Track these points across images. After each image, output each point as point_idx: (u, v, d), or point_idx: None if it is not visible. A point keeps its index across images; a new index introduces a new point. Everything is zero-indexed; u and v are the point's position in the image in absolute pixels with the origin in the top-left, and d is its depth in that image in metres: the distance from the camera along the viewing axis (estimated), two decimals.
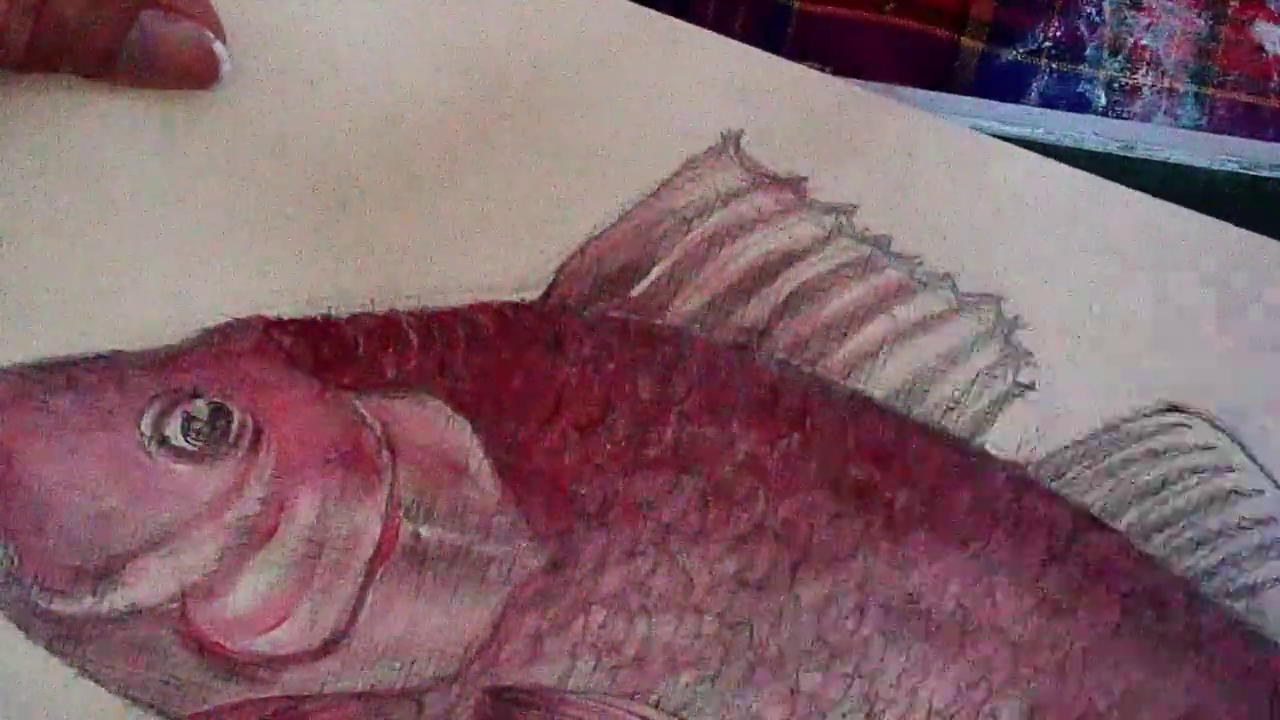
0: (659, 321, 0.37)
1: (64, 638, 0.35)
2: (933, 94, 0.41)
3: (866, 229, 0.38)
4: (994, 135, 0.40)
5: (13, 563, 0.34)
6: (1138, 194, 0.39)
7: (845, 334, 0.38)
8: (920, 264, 0.38)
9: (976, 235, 0.38)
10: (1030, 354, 0.38)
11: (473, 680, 0.36)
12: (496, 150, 0.37)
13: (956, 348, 0.38)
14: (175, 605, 0.35)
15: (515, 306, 0.37)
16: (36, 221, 0.36)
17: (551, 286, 0.37)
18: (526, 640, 0.36)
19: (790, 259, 0.38)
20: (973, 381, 0.38)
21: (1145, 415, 0.38)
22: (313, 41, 0.37)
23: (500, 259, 0.37)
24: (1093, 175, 0.38)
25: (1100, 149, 0.40)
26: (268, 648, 0.35)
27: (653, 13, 0.38)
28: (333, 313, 0.36)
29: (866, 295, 0.38)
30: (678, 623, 0.36)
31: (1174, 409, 0.38)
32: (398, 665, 0.36)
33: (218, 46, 0.36)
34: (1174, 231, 0.39)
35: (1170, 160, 0.41)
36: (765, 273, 0.38)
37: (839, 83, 0.38)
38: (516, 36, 0.37)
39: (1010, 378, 0.38)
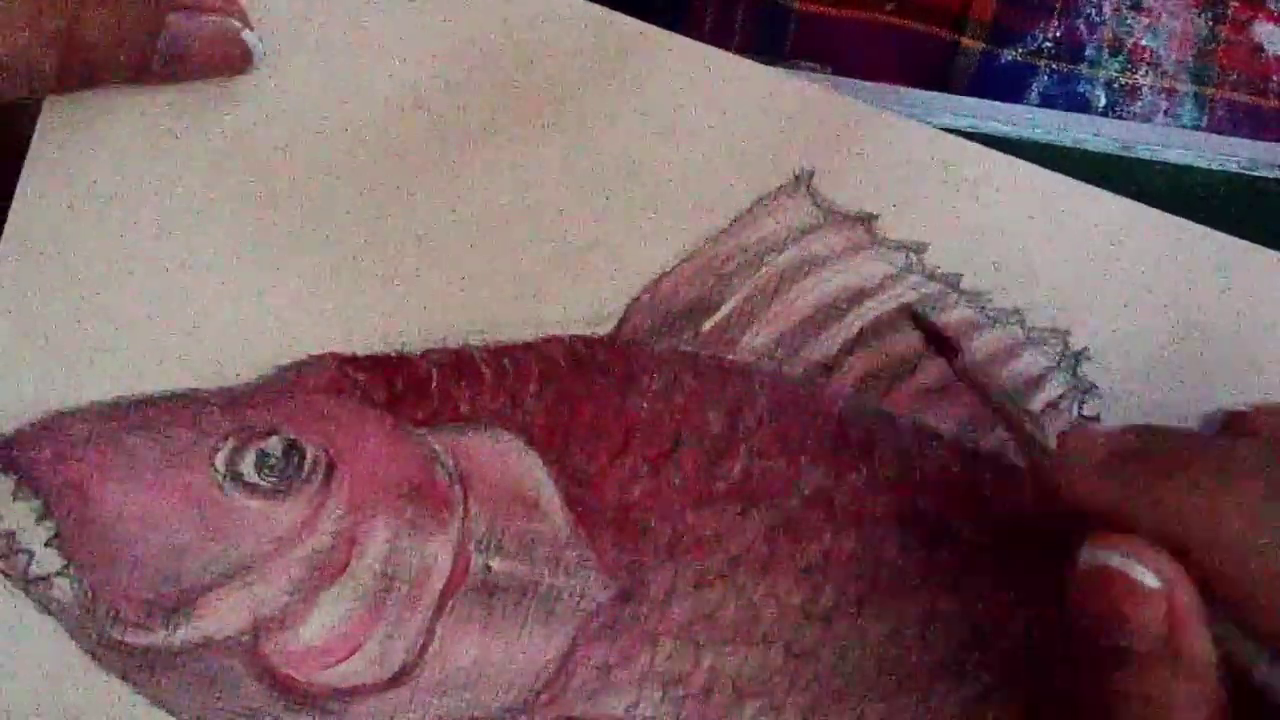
0: (729, 356, 0.37)
1: (137, 668, 0.35)
2: (933, 94, 0.41)
3: (937, 268, 0.38)
4: (994, 135, 0.39)
5: (87, 595, 0.35)
6: (1202, 228, 0.39)
7: (914, 370, 0.38)
8: (990, 300, 0.38)
9: (1042, 269, 0.38)
10: (1095, 386, 0.38)
11: (540, 711, 0.36)
12: (568, 187, 0.37)
13: (1024, 381, 0.38)
14: (247, 637, 0.35)
15: (586, 341, 0.37)
16: (111, 262, 0.36)
17: (622, 321, 0.37)
18: (594, 671, 0.36)
19: (861, 296, 0.38)
20: (1040, 414, 0.38)
21: None
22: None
23: (572, 294, 0.37)
24: (1169, 215, 0.38)
25: (1100, 149, 0.40)
26: (338, 679, 0.35)
27: (716, 51, 0.38)
28: (406, 348, 0.37)
29: None
30: (744, 654, 0.37)
31: None
32: (467, 696, 0.36)
33: (246, 34, 0.36)
34: (1236, 262, 0.39)
35: (1170, 160, 0.41)
36: (835, 309, 0.38)
37: (907, 123, 0.38)
38: (593, 75, 0.37)
39: (1076, 410, 0.38)
